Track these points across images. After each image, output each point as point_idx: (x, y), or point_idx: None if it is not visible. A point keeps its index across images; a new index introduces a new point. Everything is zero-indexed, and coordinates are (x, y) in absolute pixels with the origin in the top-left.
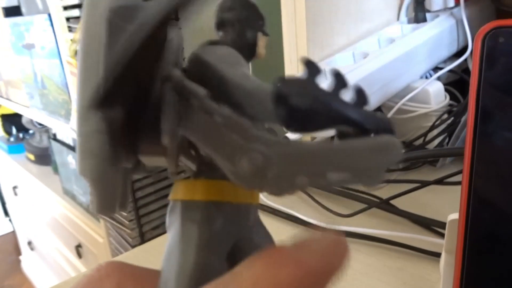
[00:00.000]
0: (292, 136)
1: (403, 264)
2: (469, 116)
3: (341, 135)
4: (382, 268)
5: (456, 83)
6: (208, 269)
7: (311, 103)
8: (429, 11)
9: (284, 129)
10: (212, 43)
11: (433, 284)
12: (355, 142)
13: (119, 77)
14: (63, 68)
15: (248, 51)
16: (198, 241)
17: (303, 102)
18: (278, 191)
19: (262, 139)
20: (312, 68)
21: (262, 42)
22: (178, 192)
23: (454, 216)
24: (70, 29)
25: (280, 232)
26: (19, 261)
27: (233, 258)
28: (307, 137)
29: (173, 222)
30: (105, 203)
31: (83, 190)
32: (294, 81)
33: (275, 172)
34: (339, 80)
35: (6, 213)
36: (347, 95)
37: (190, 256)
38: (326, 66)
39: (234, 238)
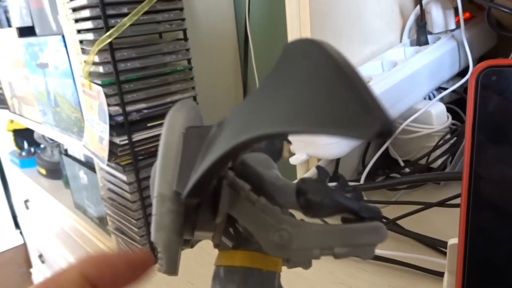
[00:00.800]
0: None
1: (407, 283)
2: (466, 149)
3: (344, 220)
4: (386, 287)
5: (458, 101)
6: None
7: (322, 198)
8: (431, 33)
9: (303, 215)
10: (252, 150)
11: None
12: (354, 226)
13: (202, 181)
14: (76, 88)
15: (276, 155)
16: None
17: (316, 197)
18: (298, 260)
19: (288, 221)
20: (322, 172)
21: (286, 148)
22: (222, 260)
23: (454, 241)
24: (84, 51)
25: None
26: (29, 274)
27: None
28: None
29: (216, 284)
30: (171, 266)
31: (94, 205)
32: (311, 181)
33: (296, 245)
34: (343, 181)
35: (17, 225)
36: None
37: None
38: None
39: None
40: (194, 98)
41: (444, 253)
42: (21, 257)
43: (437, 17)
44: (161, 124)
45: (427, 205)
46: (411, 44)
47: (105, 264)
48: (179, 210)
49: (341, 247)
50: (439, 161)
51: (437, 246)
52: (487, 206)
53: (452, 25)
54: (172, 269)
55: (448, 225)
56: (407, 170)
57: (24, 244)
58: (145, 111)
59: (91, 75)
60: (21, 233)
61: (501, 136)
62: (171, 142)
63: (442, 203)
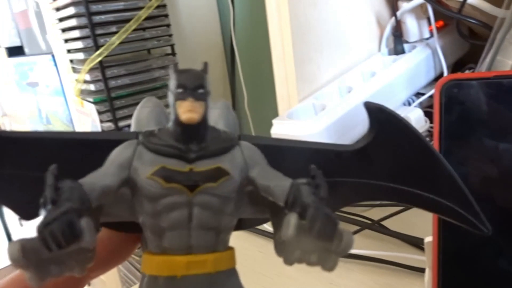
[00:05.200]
0: None
1: (392, 280)
2: None
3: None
4: (373, 285)
5: None
6: None
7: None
8: (407, 42)
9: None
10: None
11: None
12: None
13: None
14: (67, 105)
15: (176, 122)
16: None
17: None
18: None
19: None
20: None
21: (181, 108)
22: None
23: (429, 238)
24: (74, 70)
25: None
26: None
27: None
28: None
29: None
30: None
31: None
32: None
33: None
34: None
35: None
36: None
37: None
38: (314, 100)
39: None
40: None
41: None
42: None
43: (412, 27)
44: None
45: (408, 206)
46: (389, 53)
47: None
48: None
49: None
50: None
51: (420, 244)
52: None
53: (426, 34)
54: None
55: (430, 224)
56: None
57: None
58: None
59: (82, 93)
60: None
61: (463, 141)
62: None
63: None
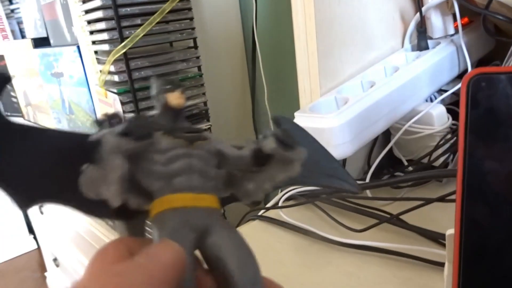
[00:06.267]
0: None
1: (411, 274)
2: (459, 147)
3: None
4: (392, 278)
5: (458, 103)
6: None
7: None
8: (431, 38)
9: None
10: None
11: None
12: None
13: None
14: (91, 96)
15: (165, 108)
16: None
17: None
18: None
19: None
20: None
21: (170, 97)
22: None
23: (451, 231)
24: (99, 61)
25: (298, 246)
26: (44, 278)
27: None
28: None
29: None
30: None
31: None
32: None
33: None
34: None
35: (30, 231)
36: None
37: None
38: (337, 94)
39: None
40: (205, 103)
41: (445, 245)
42: (35, 262)
43: (437, 22)
44: None
45: (428, 201)
46: (412, 49)
47: None
48: None
49: None
50: (441, 160)
51: (438, 239)
52: (479, 198)
53: (451, 30)
54: None
55: (448, 219)
56: (410, 168)
57: (38, 249)
58: None
59: (106, 84)
60: (35, 238)
61: (490, 135)
62: None
63: (441, 199)
